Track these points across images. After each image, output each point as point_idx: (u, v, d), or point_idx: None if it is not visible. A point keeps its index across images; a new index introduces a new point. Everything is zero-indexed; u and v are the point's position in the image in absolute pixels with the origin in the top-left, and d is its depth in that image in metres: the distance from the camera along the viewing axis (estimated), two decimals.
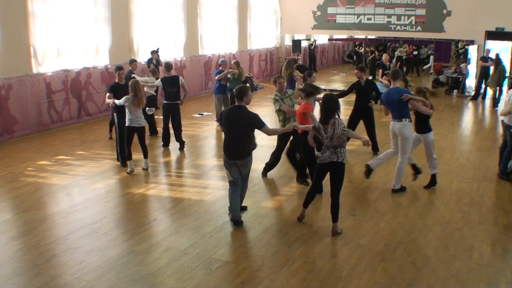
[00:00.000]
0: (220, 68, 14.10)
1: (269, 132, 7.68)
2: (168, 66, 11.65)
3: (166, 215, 7.92)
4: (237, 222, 7.51)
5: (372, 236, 7.23)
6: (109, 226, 7.49)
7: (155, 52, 15.93)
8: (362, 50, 30.22)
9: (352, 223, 7.68)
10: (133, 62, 13.18)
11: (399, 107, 8.63)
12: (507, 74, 18.04)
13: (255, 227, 7.54)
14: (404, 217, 7.96)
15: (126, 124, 9.80)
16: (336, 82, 23.41)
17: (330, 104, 7.06)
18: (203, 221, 7.74)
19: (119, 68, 11.16)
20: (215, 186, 9.26)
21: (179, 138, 11.64)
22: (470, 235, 7.30)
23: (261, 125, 7.25)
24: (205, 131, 13.88)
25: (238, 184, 7.54)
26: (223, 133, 7.82)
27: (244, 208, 7.95)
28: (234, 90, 7.59)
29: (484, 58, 18.79)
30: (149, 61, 15.77)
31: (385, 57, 17.42)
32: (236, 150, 7.33)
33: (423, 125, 8.83)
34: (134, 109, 9.65)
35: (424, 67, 26.81)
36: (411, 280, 6.02)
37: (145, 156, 10.08)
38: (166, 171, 10.45)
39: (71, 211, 8.05)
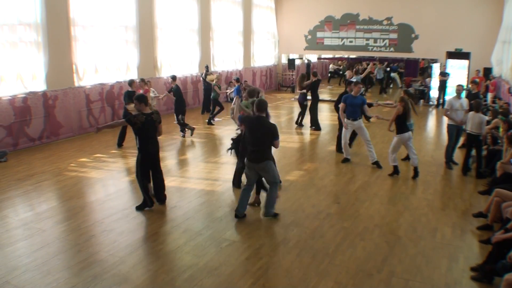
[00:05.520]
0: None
1: (277, 145, 7.01)
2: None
3: (184, 203, 7.91)
4: (237, 216, 7.21)
5: (353, 220, 7.22)
6: (138, 211, 7.49)
7: (205, 68, 17.24)
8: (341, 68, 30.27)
9: (337, 209, 7.67)
10: (132, 82, 11.86)
11: None
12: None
13: (256, 213, 7.52)
14: (380, 204, 7.95)
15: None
16: (323, 93, 23.41)
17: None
18: (214, 207, 7.74)
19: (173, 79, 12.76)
20: (224, 179, 9.25)
21: None
22: (434, 219, 7.29)
23: (276, 137, 6.88)
24: (218, 134, 13.88)
25: (252, 186, 7.29)
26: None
27: (275, 215, 7.23)
28: (257, 103, 6.91)
29: (442, 73, 18.81)
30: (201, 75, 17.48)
31: (348, 73, 17.72)
32: (255, 155, 6.86)
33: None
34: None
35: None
36: (385, 256, 6.02)
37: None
38: (184, 167, 10.44)
39: (106, 200, 8.05)
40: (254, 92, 8.68)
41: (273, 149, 7.08)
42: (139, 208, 7.48)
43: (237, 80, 15.51)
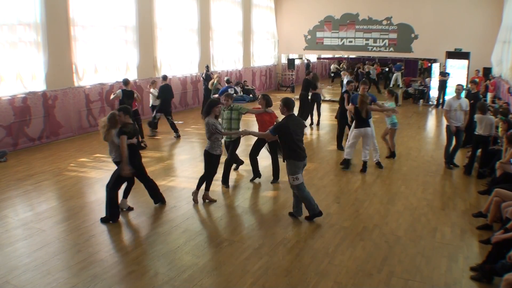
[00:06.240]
0: (228, 84, 14.49)
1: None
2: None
3: (184, 203, 7.91)
4: (320, 213, 7.11)
5: (353, 220, 7.22)
6: (137, 211, 7.50)
7: (205, 68, 17.06)
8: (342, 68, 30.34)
9: (336, 209, 7.67)
10: (127, 82, 11.99)
11: None
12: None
13: (256, 213, 7.53)
14: (379, 204, 7.95)
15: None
16: (323, 93, 23.38)
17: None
18: (214, 207, 7.74)
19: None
20: None
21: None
22: (434, 219, 7.29)
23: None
24: None
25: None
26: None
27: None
28: (287, 101, 6.85)
29: (442, 73, 18.82)
30: (202, 74, 17.24)
31: (343, 74, 17.88)
32: (304, 150, 6.95)
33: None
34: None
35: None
36: (385, 256, 6.02)
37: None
38: (183, 167, 10.43)
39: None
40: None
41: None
42: (104, 220, 7.07)
43: (227, 81, 15.36)
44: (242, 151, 9.59)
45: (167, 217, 7.32)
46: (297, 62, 27.11)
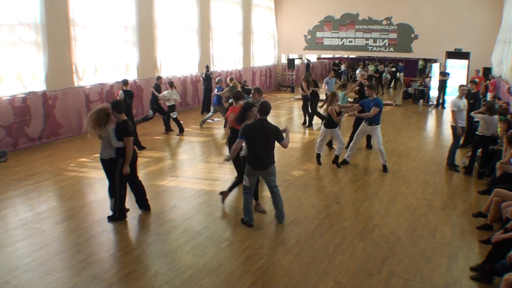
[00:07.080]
0: (218, 85, 14.33)
1: (286, 145, 6.76)
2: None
3: (184, 203, 7.91)
4: (248, 225, 6.95)
5: (353, 220, 7.22)
6: (137, 212, 7.49)
7: (205, 68, 17.24)
8: (342, 68, 30.32)
9: (337, 209, 7.67)
10: (127, 82, 11.85)
11: None
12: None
13: (256, 213, 7.51)
14: (379, 204, 7.95)
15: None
16: (322, 93, 23.36)
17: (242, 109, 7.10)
18: (214, 207, 7.74)
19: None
20: (223, 179, 9.25)
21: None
22: (434, 219, 7.29)
23: (280, 138, 6.63)
24: (216, 134, 13.87)
25: (252, 192, 7.03)
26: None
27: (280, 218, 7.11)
28: (261, 105, 6.67)
29: (442, 73, 18.83)
30: (202, 75, 17.49)
31: (359, 76, 17.55)
32: (262, 161, 6.64)
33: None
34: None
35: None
36: (385, 256, 6.02)
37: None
38: (183, 167, 10.43)
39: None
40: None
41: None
42: (111, 219, 7.08)
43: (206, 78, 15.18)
44: None
45: (167, 217, 7.32)
46: (297, 62, 27.14)
